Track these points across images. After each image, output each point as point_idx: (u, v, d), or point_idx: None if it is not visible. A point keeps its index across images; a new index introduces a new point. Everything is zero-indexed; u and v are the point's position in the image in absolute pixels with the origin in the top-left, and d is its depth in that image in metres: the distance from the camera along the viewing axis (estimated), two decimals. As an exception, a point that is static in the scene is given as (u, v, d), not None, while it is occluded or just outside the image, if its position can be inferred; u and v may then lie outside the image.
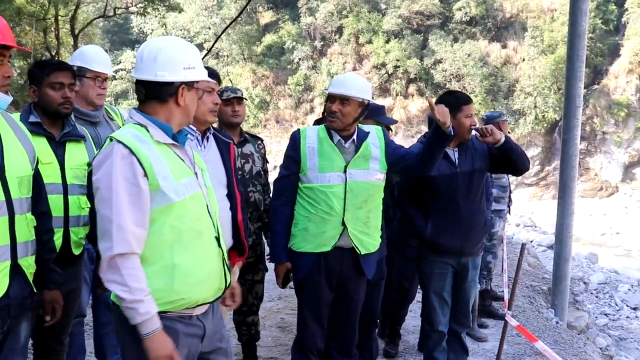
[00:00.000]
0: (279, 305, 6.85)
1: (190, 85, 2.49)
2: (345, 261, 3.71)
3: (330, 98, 3.65)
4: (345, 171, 3.62)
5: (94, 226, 3.37)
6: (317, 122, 4.70)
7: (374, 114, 4.35)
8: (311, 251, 3.67)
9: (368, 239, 3.73)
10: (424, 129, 31.35)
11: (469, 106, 4.11)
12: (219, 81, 3.45)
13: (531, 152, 36.34)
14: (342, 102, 3.60)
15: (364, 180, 3.65)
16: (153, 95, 2.45)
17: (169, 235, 2.38)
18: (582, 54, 7.05)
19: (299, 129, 3.84)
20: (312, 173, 3.64)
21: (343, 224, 3.62)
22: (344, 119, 3.62)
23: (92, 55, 4.03)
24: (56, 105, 3.24)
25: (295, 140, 3.74)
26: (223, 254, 2.62)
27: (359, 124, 3.77)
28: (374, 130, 3.80)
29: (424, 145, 3.67)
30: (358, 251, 3.69)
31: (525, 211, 30.78)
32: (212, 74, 3.26)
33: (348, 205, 3.61)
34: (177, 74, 2.43)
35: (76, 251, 3.34)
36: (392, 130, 4.98)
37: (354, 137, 3.70)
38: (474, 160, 4.18)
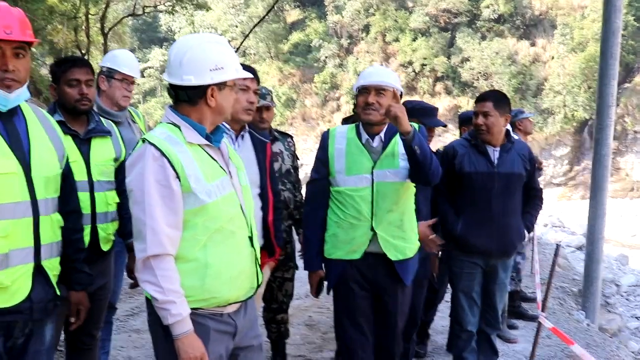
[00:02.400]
0: (306, 303, 6.85)
1: (221, 85, 2.45)
2: (380, 269, 3.49)
3: (363, 91, 3.41)
4: (372, 172, 3.43)
5: (123, 221, 3.41)
6: (345, 121, 4.66)
7: (424, 114, 4.22)
8: (341, 258, 3.50)
9: (404, 243, 3.49)
10: (451, 127, 31.16)
11: (476, 104, 4.14)
12: (257, 78, 3.38)
13: (560, 152, 36.01)
14: (377, 92, 3.37)
15: (393, 181, 3.42)
16: (182, 98, 2.45)
17: (202, 235, 2.39)
18: (615, 51, 6.93)
19: (328, 130, 3.66)
20: (340, 176, 3.47)
21: (372, 229, 3.42)
22: (382, 111, 3.36)
23: (122, 59, 4.16)
24: (73, 102, 3.25)
25: (323, 141, 3.59)
26: (255, 254, 2.61)
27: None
28: None
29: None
30: (393, 257, 3.46)
31: (553, 211, 30.42)
32: (249, 71, 3.19)
33: (376, 210, 3.41)
34: (203, 77, 2.39)
35: (105, 247, 3.35)
36: None
37: (382, 134, 3.48)
38: (515, 164, 4.13)
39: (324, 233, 3.57)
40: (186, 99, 2.44)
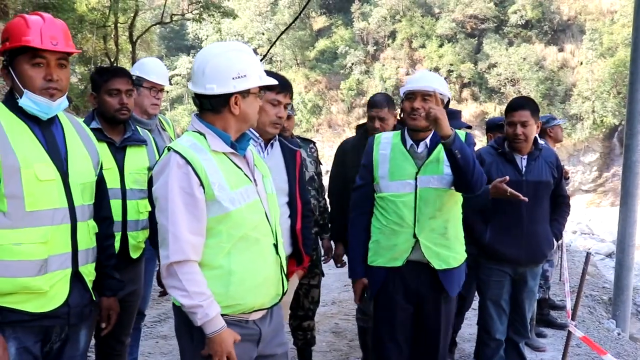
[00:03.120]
0: (332, 310, 6.85)
1: (245, 92, 2.46)
2: (423, 278, 3.40)
3: (410, 96, 3.36)
4: (416, 178, 3.36)
5: (153, 229, 3.45)
6: (359, 128, 4.64)
7: (448, 118, 4.20)
8: (383, 265, 3.43)
9: (447, 252, 3.38)
10: (478, 133, 30.97)
11: (511, 113, 4.05)
12: (290, 93, 3.37)
13: (589, 158, 35.52)
14: (423, 98, 3.31)
15: (437, 187, 3.35)
16: (206, 106, 2.48)
17: (226, 242, 2.41)
18: (646, 57, 6.84)
19: (373, 136, 3.61)
20: (383, 181, 3.41)
21: (415, 236, 3.35)
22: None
23: (150, 67, 4.23)
24: (113, 112, 3.32)
25: (369, 147, 3.53)
26: (281, 261, 2.62)
27: None
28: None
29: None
30: (436, 266, 3.36)
31: (582, 218, 30.02)
32: (283, 85, 3.18)
33: (419, 216, 3.33)
34: (226, 85, 2.41)
35: (134, 254, 3.39)
36: None
37: (427, 140, 3.42)
38: (542, 171, 4.09)
39: (369, 240, 3.52)
40: (210, 107, 2.47)
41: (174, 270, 2.33)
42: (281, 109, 3.28)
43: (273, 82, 2.59)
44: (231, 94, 2.43)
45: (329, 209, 4.64)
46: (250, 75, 2.45)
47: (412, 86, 3.37)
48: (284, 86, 3.22)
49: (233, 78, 2.41)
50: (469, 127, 4.68)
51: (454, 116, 4.36)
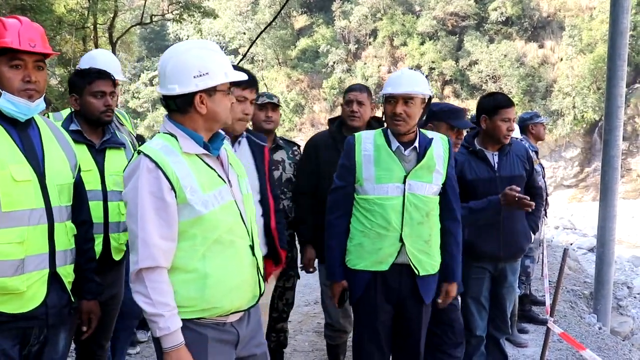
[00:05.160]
0: (315, 309, 6.82)
1: (210, 90, 2.39)
2: (404, 281, 3.35)
3: (390, 100, 3.28)
4: (404, 182, 3.28)
5: None
6: (332, 121, 4.44)
7: (453, 116, 4.01)
8: (367, 269, 3.34)
9: (428, 259, 3.36)
10: (460, 131, 31.13)
11: (505, 110, 4.01)
12: (256, 88, 3.31)
13: (570, 153, 35.84)
14: (405, 102, 3.24)
15: (424, 194, 3.30)
16: (172, 107, 2.43)
17: (200, 245, 2.37)
18: (623, 52, 6.89)
19: (353, 135, 3.46)
20: (369, 184, 3.30)
21: (401, 240, 3.27)
22: (411, 121, 3.27)
23: (101, 61, 4.08)
24: (98, 114, 3.30)
25: (349, 147, 3.39)
26: (257, 263, 2.58)
27: (421, 129, 3.46)
28: (438, 139, 3.43)
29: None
30: (416, 272, 3.33)
31: (564, 213, 30.27)
32: (248, 81, 3.14)
33: (407, 220, 3.26)
34: (187, 85, 2.34)
35: (117, 257, 3.37)
36: None
37: (416, 143, 3.35)
38: (515, 166, 4.11)
39: (346, 242, 3.43)
40: (176, 108, 2.41)
41: (142, 277, 2.29)
42: (247, 105, 3.25)
43: (241, 77, 2.49)
44: (195, 93, 2.37)
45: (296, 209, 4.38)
46: (214, 73, 2.38)
47: (393, 90, 3.27)
48: (250, 82, 3.13)
49: (194, 77, 2.34)
50: (473, 126, 4.49)
51: (459, 115, 4.12)
